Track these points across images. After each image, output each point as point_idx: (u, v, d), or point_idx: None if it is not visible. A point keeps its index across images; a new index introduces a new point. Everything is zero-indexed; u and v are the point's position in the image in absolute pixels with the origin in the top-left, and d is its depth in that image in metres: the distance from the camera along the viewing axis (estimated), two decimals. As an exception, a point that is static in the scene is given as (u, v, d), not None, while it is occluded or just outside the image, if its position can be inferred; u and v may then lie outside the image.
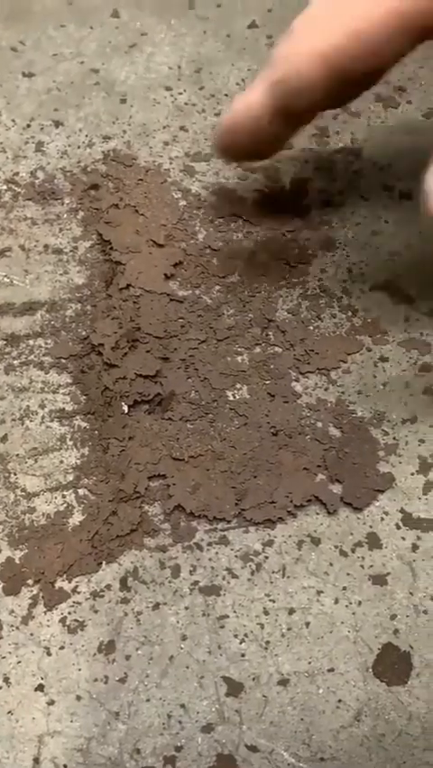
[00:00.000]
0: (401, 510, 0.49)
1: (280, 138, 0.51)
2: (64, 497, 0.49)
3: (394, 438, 0.51)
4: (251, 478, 0.49)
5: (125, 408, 0.51)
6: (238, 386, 0.52)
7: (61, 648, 0.44)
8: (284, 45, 0.46)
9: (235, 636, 0.45)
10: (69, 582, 0.46)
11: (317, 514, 0.49)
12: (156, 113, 0.64)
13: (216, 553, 0.47)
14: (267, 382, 0.52)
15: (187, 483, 0.49)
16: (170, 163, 0.61)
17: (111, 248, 0.57)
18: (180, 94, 0.65)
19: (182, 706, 0.43)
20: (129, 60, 0.67)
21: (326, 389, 0.52)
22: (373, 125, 0.63)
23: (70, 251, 0.57)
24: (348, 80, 0.46)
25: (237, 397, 0.52)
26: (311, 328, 0.54)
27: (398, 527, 0.48)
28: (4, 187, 0.60)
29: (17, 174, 0.61)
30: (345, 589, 0.46)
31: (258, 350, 0.53)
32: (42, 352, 0.53)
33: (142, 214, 0.58)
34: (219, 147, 0.52)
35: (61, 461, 0.50)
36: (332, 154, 0.62)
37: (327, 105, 0.48)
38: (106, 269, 0.56)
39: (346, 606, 0.46)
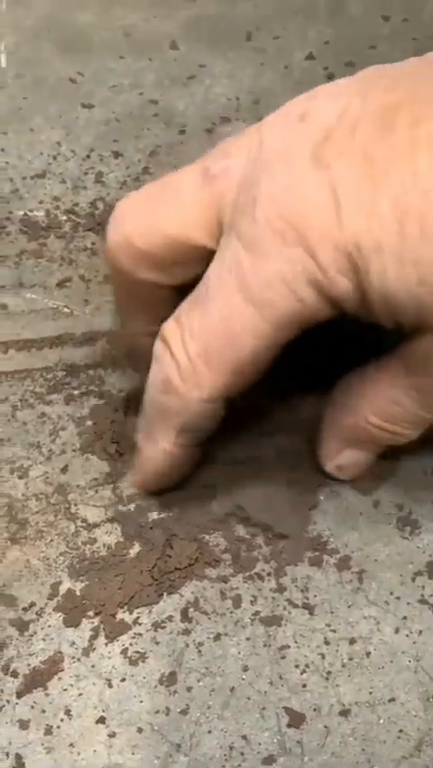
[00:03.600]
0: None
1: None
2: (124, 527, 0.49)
3: None
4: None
5: None
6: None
7: (123, 680, 0.44)
8: (175, 385, 0.43)
9: (297, 667, 0.45)
10: (130, 614, 0.46)
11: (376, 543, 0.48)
12: (214, 143, 0.64)
13: (278, 582, 0.47)
14: None
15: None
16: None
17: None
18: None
19: (244, 737, 0.43)
20: (188, 92, 0.67)
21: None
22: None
23: (130, 281, 0.58)
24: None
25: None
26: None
27: (458, 556, 0.48)
28: (64, 217, 0.60)
29: (77, 204, 0.61)
30: (405, 618, 0.46)
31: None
32: (103, 383, 0.53)
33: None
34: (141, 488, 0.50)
35: (122, 492, 0.50)
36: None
37: None
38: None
39: (407, 635, 0.46)
